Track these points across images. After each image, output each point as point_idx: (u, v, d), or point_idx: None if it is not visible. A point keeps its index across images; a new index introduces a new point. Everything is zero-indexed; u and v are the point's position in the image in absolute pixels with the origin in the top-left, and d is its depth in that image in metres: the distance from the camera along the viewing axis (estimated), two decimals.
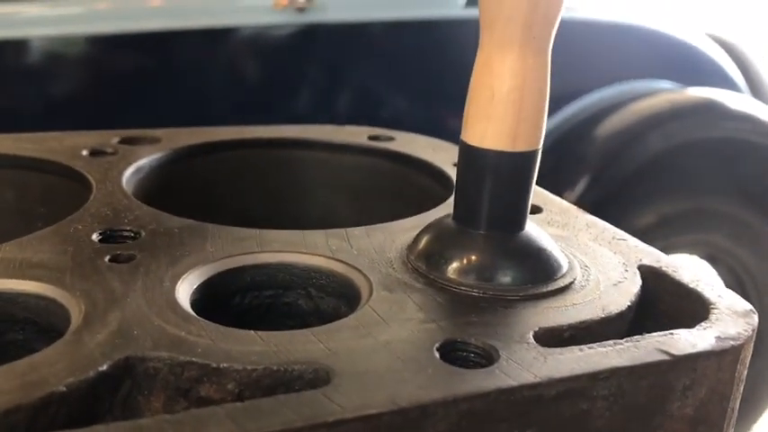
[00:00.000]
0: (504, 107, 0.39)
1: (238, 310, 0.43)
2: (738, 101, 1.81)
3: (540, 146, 0.41)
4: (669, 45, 1.97)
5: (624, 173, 1.65)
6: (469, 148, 0.40)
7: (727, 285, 1.79)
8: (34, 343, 0.40)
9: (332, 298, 0.43)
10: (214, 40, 1.44)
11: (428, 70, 1.60)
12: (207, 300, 0.41)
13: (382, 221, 0.50)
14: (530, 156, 0.40)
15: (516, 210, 0.42)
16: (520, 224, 0.42)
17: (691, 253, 1.81)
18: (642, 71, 1.88)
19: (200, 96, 1.46)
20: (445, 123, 1.60)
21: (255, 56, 1.49)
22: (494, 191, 0.41)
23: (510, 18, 0.37)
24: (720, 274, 1.84)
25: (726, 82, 1.98)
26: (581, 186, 1.62)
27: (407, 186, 0.63)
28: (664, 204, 1.71)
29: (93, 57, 1.40)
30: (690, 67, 2.00)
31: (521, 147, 0.40)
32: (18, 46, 1.33)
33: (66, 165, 0.56)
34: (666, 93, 1.83)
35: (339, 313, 0.43)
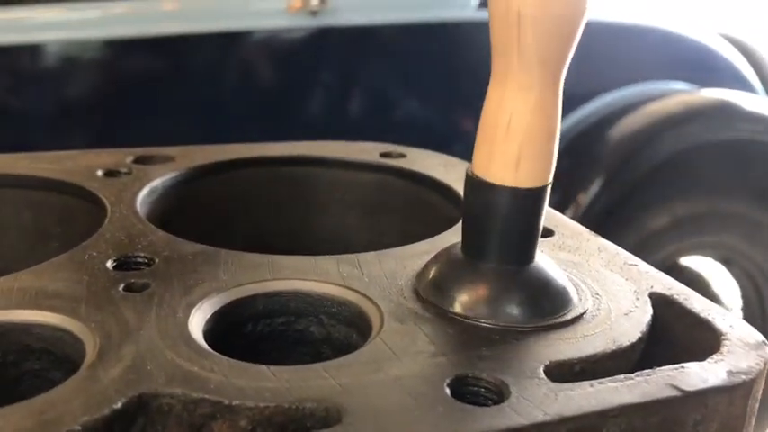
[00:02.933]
0: (519, 144, 0.39)
1: (251, 338, 0.44)
2: (753, 102, 1.80)
3: (551, 180, 0.41)
4: (683, 46, 1.96)
5: (638, 174, 1.64)
6: (480, 182, 0.41)
7: (742, 287, 1.79)
8: (50, 372, 0.40)
9: (343, 326, 0.44)
10: (229, 43, 1.45)
11: (441, 73, 1.60)
12: (220, 328, 0.42)
13: (393, 240, 0.51)
14: (541, 191, 0.40)
15: (526, 243, 0.42)
16: (529, 256, 0.42)
17: (705, 255, 1.81)
18: (656, 72, 1.87)
19: (215, 99, 1.47)
20: (458, 127, 1.60)
21: (269, 59, 1.49)
22: (503, 225, 0.41)
23: (528, 54, 0.37)
24: (735, 277, 1.83)
25: (740, 83, 1.97)
26: (595, 187, 1.61)
27: (419, 205, 0.63)
28: (678, 206, 1.70)
29: (108, 60, 1.41)
30: (704, 68, 1.98)
31: (533, 183, 0.40)
32: (34, 50, 1.34)
33: (82, 186, 0.56)
34: (680, 94, 1.82)
35: (350, 342, 0.43)
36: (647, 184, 1.65)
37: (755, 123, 1.74)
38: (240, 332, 0.43)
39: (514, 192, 0.40)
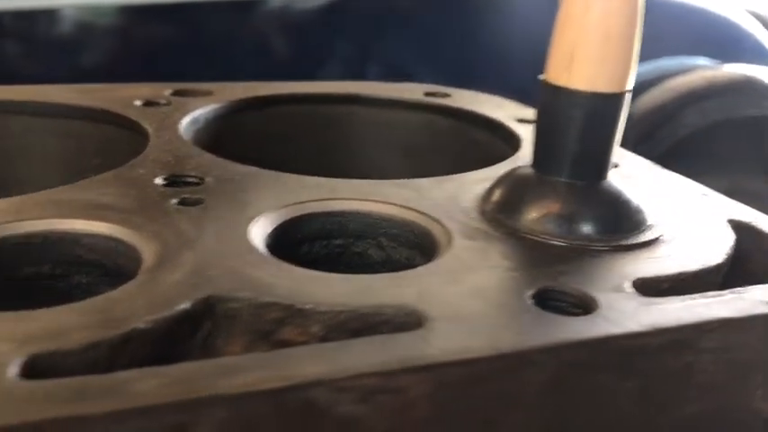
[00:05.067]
0: (618, 47, 0.36)
1: (306, 261, 0.42)
2: None
3: (627, 88, 0.39)
4: (707, 21, 1.92)
5: (659, 150, 1.61)
6: (547, 87, 0.38)
7: None
8: (99, 286, 0.38)
9: (405, 248, 0.42)
10: (243, 10, 1.42)
11: (460, 41, 1.57)
12: (276, 247, 0.40)
13: None
14: (623, 97, 0.38)
15: (603, 156, 0.40)
16: (602, 172, 0.40)
17: None
18: (679, 47, 1.84)
19: (229, 67, 1.44)
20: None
21: (284, 28, 1.47)
22: (582, 136, 0.38)
23: None
24: None
25: (765, 59, 1.94)
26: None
27: (467, 143, 0.61)
28: (699, 182, 1.67)
29: (122, 27, 1.38)
30: (728, 43, 1.95)
31: (619, 88, 0.37)
32: (50, 16, 1.32)
33: (122, 114, 0.54)
34: (703, 70, 1.78)
35: (413, 264, 0.41)
36: (669, 159, 1.62)
37: None
38: (296, 253, 0.41)
39: (609, 98, 0.37)
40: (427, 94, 0.65)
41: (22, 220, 0.38)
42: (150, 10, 1.37)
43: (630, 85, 0.38)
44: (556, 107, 0.39)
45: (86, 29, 1.37)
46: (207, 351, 0.32)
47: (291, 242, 0.41)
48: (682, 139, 1.64)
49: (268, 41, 1.47)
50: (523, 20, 1.51)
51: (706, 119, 1.66)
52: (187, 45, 1.41)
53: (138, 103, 0.57)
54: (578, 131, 0.38)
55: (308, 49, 1.47)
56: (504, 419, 0.29)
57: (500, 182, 0.42)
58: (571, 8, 0.37)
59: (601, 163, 0.40)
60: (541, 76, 0.39)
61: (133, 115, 0.54)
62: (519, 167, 0.43)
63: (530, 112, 0.62)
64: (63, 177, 0.56)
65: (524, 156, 0.50)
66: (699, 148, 1.66)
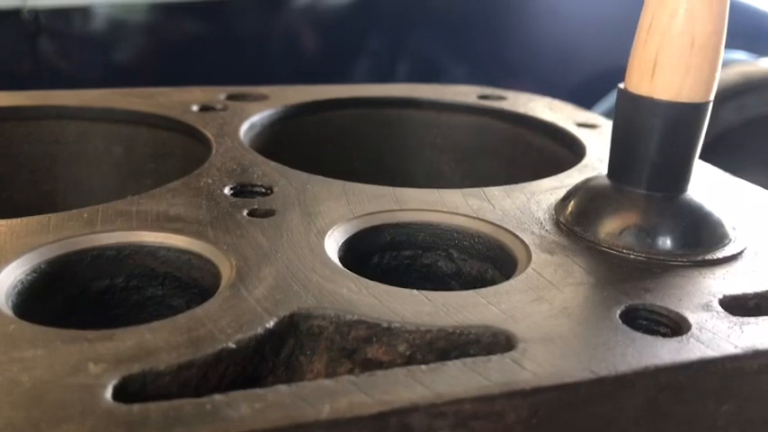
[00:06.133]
0: (703, 55, 0.35)
1: (376, 271, 0.41)
2: None
3: (710, 99, 0.38)
4: (743, 14, 1.88)
5: None
6: (626, 95, 0.37)
7: None
8: (173, 299, 0.38)
9: (476, 261, 0.41)
10: (273, 6, 1.41)
11: (491, 38, 1.55)
12: (346, 258, 0.39)
13: (496, 184, 0.47)
14: (707, 107, 0.37)
15: (684, 168, 0.39)
16: (684, 185, 0.39)
17: None
18: None
19: (259, 61, 1.44)
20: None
21: (315, 20, 1.46)
22: (664, 147, 0.38)
23: None
24: None
25: None
26: None
27: (523, 148, 0.60)
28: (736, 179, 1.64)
29: (154, 24, 1.39)
30: (765, 37, 1.91)
31: (703, 97, 0.36)
32: (83, 13, 1.32)
33: (183, 121, 0.54)
34: (740, 64, 1.75)
35: (485, 277, 0.40)
36: (706, 155, 1.60)
37: None
38: (366, 264, 0.41)
39: (693, 108, 0.36)
40: (481, 97, 0.64)
41: (96, 232, 0.38)
42: (178, 7, 1.37)
43: (710, 96, 0.37)
44: (636, 117, 0.38)
45: (118, 26, 1.37)
46: (290, 369, 0.32)
47: (362, 253, 0.41)
48: (718, 135, 1.61)
49: (298, 38, 1.46)
50: (554, 16, 1.49)
51: (743, 114, 1.63)
52: (217, 42, 1.41)
53: (194, 108, 0.57)
54: (660, 142, 0.37)
55: (337, 45, 1.46)
56: None
57: (574, 192, 0.41)
58: (655, 14, 0.36)
59: (682, 175, 0.39)
60: (621, 85, 0.38)
61: (192, 121, 0.54)
62: (594, 177, 0.42)
63: (587, 116, 0.61)
64: (117, 182, 0.56)
65: (590, 163, 0.50)
66: (736, 143, 1.63)
